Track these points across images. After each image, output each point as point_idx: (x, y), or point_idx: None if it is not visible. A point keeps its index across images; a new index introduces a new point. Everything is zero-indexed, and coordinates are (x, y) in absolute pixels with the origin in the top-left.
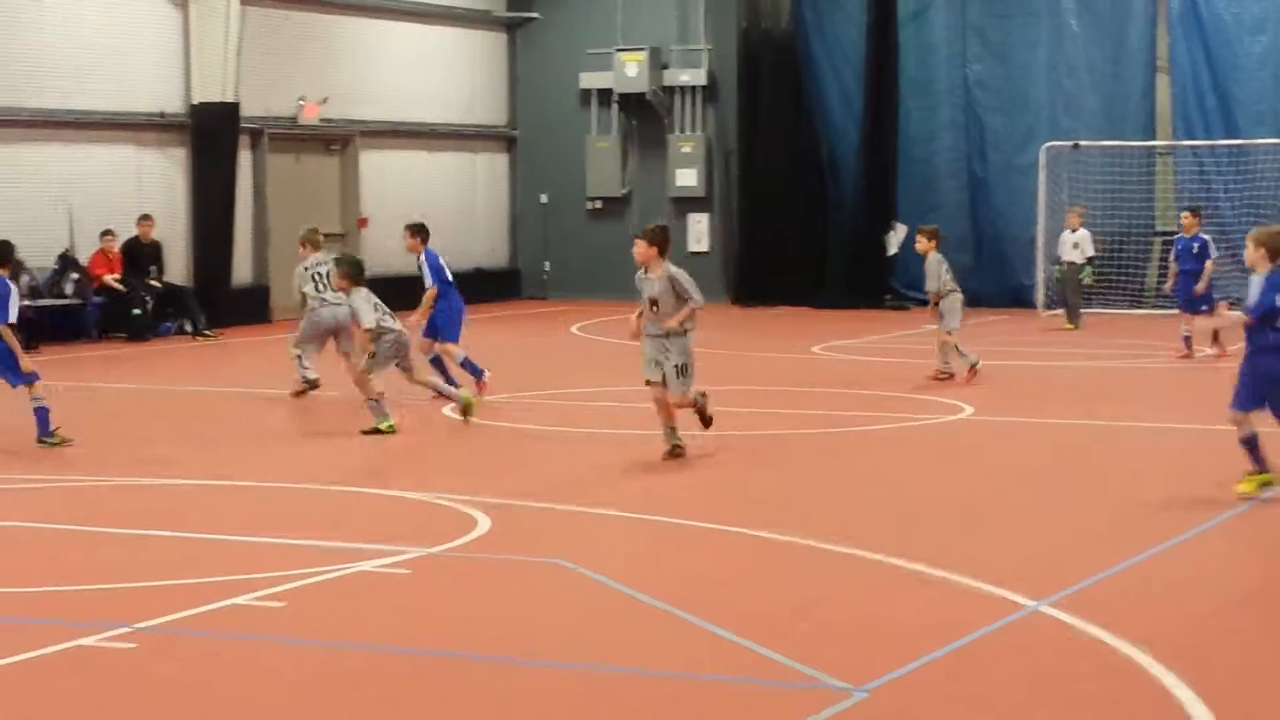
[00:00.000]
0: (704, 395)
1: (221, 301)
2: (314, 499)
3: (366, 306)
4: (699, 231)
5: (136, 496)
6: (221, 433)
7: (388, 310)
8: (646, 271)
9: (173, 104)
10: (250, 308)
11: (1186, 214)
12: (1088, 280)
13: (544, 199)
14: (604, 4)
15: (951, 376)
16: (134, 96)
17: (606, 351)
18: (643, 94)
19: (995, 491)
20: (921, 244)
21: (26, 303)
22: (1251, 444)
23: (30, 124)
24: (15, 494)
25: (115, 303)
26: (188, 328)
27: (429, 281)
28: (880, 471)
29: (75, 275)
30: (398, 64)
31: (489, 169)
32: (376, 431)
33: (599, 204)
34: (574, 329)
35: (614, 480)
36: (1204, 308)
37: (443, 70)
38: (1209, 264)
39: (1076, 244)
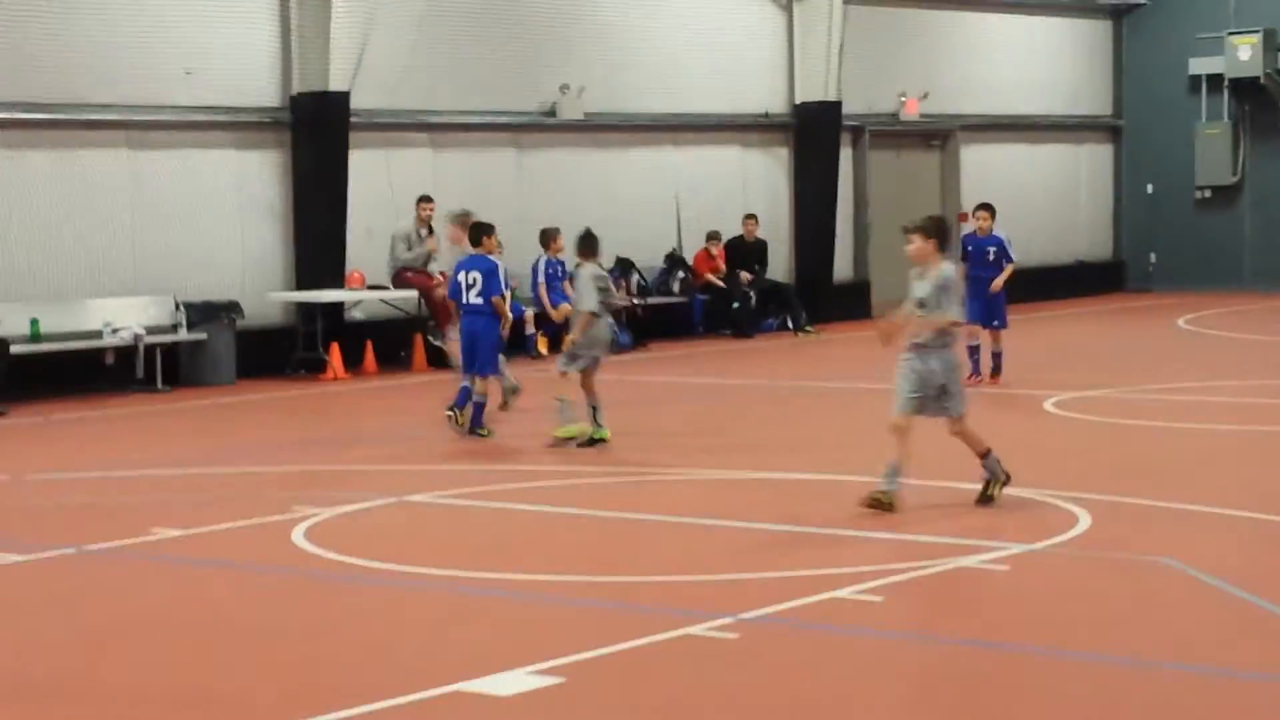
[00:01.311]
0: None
1: (822, 298)
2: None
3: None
4: None
5: (750, 489)
6: (825, 426)
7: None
8: (923, 272)
9: (777, 104)
10: (850, 303)
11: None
12: None
13: (1150, 189)
14: None
15: None
16: (741, 98)
17: (1214, 346)
18: (1256, 78)
19: None
20: None
21: (637, 301)
22: None
23: (643, 129)
24: (655, 485)
25: (718, 299)
26: (789, 324)
27: (1013, 256)
28: None
29: (681, 274)
30: (999, 57)
31: (1092, 160)
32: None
33: (1208, 193)
34: (1181, 322)
35: (1222, 477)
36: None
37: (1046, 61)
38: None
39: None
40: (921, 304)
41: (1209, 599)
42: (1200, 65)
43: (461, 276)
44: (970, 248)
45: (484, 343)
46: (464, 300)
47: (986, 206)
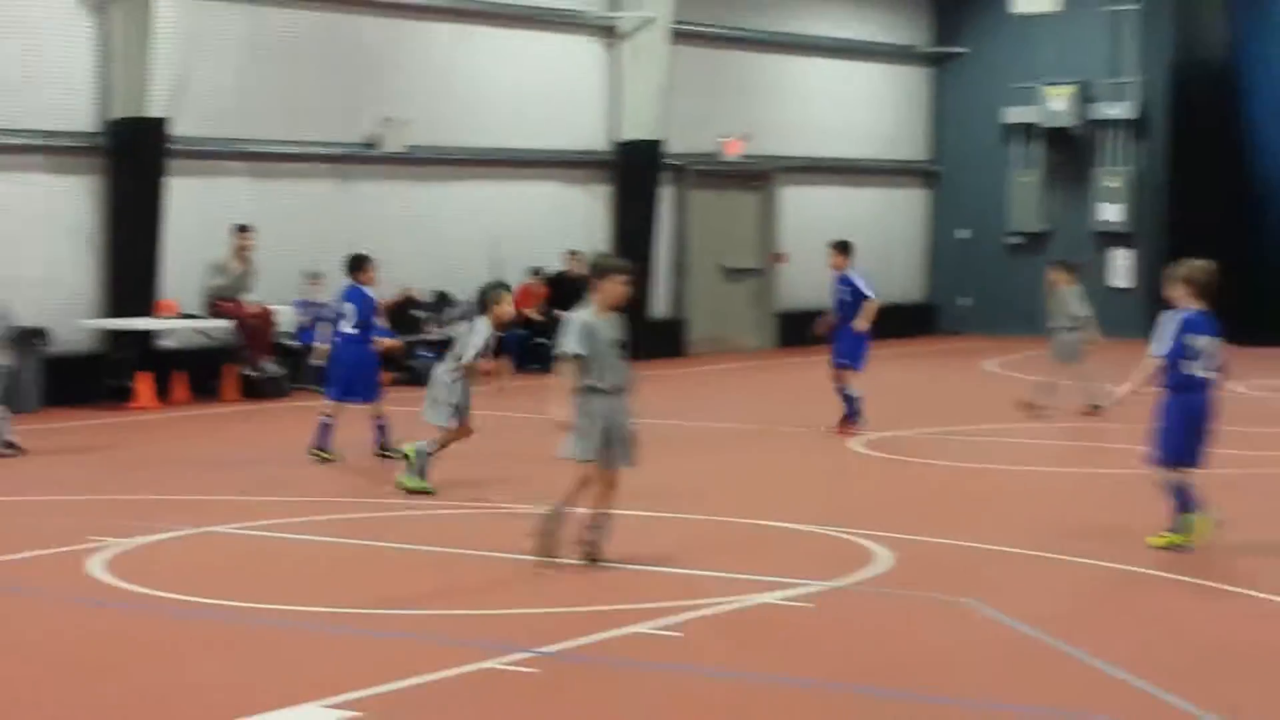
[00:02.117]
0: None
1: (639, 334)
2: (712, 529)
3: None
4: (1122, 268)
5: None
6: None
7: None
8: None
9: (599, 141)
10: (667, 340)
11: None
12: None
13: (963, 234)
14: (1032, 38)
15: None
16: (565, 135)
17: (1021, 388)
18: (1067, 128)
19: None
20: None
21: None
22: None
23: (465, 162)
24: (455, 518)
25: (537, 334)
26: None
27: (870, 294)
28: None
29: None
30: (821, 101)
31: (908, 204)
32: None
33: (1019, 239)
34: (988, 365)
35: (1021, 517)
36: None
37: (865, 107)
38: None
39: None
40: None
41: (1008, 638)
42: (1015, 114)
43: (1195, 340)
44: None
45: (364, 370)
46: (338, 329)
47: (837, 245)
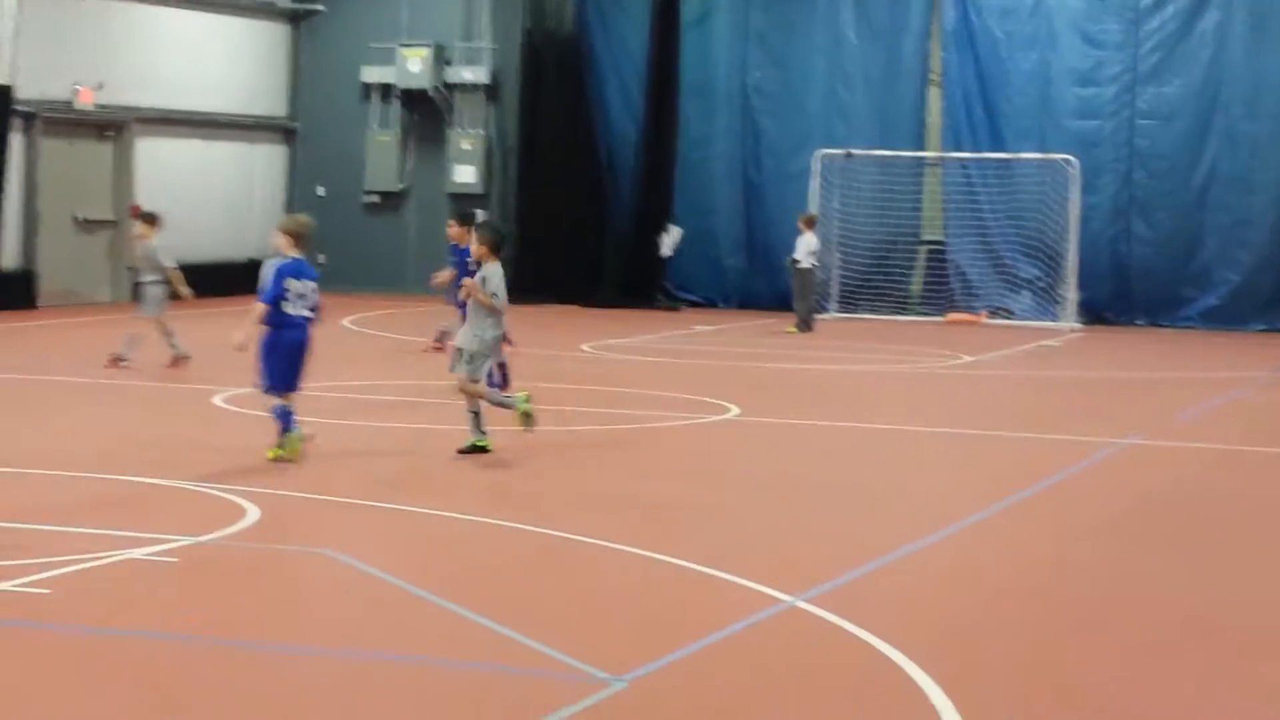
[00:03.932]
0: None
1: None
2: (78, 486)
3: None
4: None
5: None
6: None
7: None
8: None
9: None
10: (16, 292)
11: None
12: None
13: (321, 192)
14: None
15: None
16: None
17: (381, 346)
18: (424, 90)
19: (760, 490)
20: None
21: None
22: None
23: None
24: None
25: None
26: None
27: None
28: (646, 469)
29: None
30: (177, 51)
31: (267, 160)
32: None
33: (376, 198)
34: (347, 322)
35: (386, 473)
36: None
37: (222, 60)
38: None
39: (810, 249)
40: None
41: (366, 586)
42: (372, 74)
43: (292, 284)
44: (454, 258)
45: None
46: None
47: (460, 216)
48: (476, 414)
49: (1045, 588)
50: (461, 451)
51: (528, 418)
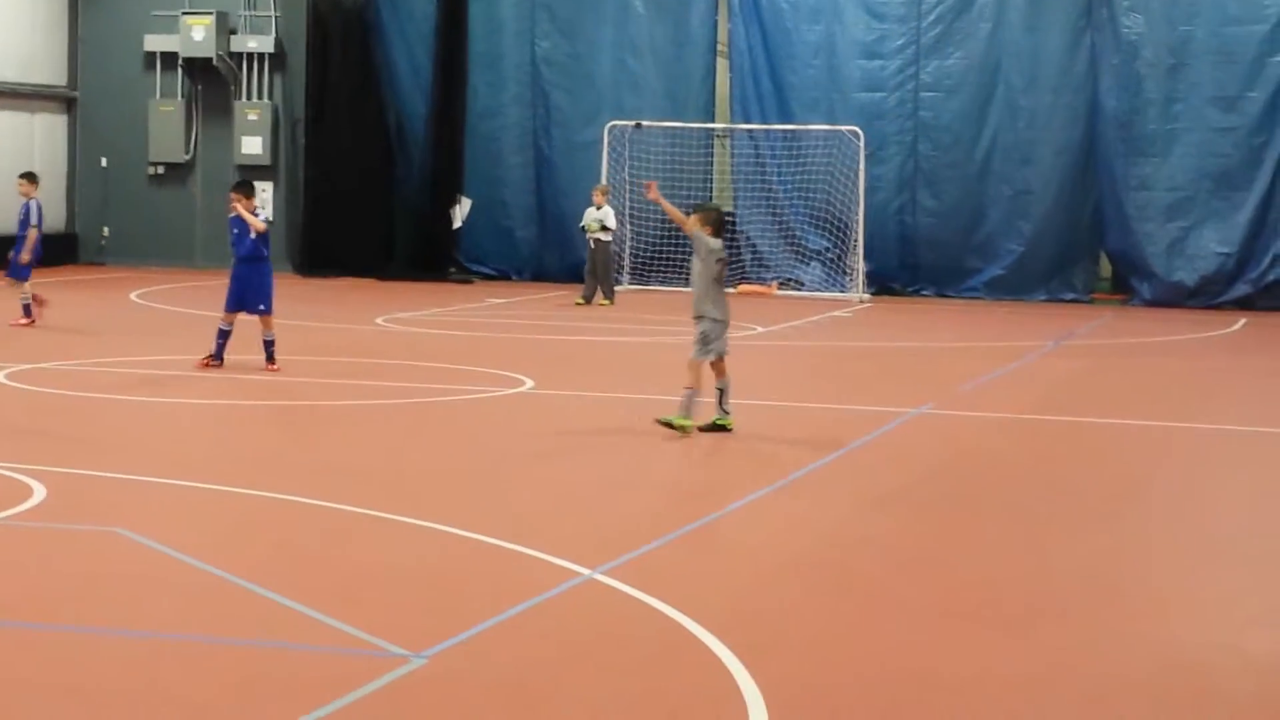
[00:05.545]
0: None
1: None
2: None
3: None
4: (264, 200)
5: None
6: None
7: None
8: None
9: None
10: None
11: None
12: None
13: (104, 163)
14: None
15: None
16: None
17: (167, 319)
18: (209, 59)
19: (554, 463)
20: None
21: None
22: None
23: None
24: None
25: None
26: None
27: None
28: (442, 442)
29: None
30: None
31: (47, 130)
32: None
33: (161, 169)
34: (133, 295)
35: (175, 448)
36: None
37: (0, 28)
38: (32, 232)
39: (602, 222)
40: None
41: (156, 565)
42: (155, 43)
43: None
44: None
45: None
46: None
47: (25, 174)
48: (722, 391)
49: (839, 557)
50: (703, 429)
51: (680, 429)
